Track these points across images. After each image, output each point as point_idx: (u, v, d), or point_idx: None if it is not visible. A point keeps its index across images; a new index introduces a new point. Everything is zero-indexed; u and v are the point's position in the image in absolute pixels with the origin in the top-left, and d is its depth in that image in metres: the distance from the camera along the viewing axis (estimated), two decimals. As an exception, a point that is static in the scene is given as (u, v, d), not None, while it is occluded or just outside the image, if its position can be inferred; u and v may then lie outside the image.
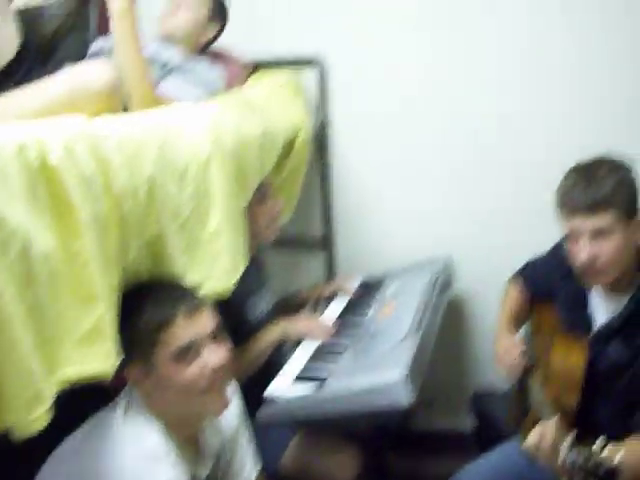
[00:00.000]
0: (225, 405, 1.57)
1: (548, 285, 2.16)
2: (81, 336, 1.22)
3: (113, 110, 1.61)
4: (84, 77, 1.58)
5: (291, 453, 2.13)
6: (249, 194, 2.02)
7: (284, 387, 1.94)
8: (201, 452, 1.63)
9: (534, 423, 1.76)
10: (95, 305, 1.24)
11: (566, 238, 1.91)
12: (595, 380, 1.91)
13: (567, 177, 1.90)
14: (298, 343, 2.24)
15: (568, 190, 1.86)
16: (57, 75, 1.62)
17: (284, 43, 2.84)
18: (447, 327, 2.66)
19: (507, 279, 2.37)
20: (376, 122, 2.84)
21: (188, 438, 1.59)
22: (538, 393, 1.95)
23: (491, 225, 2.79)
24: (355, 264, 2.97)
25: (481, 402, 2.46)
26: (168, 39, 2.28)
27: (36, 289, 1.11)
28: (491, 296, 2.47)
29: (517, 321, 2.26)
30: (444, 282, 2.54)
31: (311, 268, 3.08)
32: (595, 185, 1.80)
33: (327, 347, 2.16)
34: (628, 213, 1.82)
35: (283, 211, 2.44)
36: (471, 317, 2.91)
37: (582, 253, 1.82)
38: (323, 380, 1.91)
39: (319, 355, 2.11)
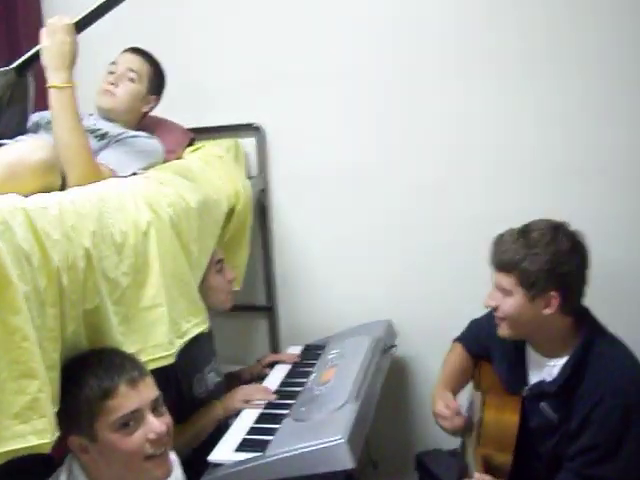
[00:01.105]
0: (168, 471, 1.58)
1: (486, 345, 2.21)
2: (18, 411, 1.22)
3: (51, 185, 1.62)
4: (20, 154, 1.60)
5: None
6: (199, 265, 2.04)
7: (227, 454, 1.94)
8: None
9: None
10: (33, 380, 1.24)
11: None
12: (527, 439, 1.95)
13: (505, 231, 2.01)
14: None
15: (493, 243, 2.00)
16: None
17: (223, 111, 2.89)
18: (391, 388, 2.69)
19: (450, 340, 2.39)
20: (315, 187, 2.87)
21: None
22: (470, 451, 1.96)
23: (432, 286, 2.79)
24: (298, 329, 2.98)
25: (426, 461, 2.45)
26: (106, 113, 2.28)
27: (-27, 365, 1.12)
28: (433, 357, 2.48)
29: (456, 381, 2.26)
30: (385, 345, 2.55)
31: (255, 333, 3.08)
32: (507, 248, 1.93)
33: (268, 413, 2.15)
34: (533, 286, 1.87)
35: (236, 279, 2.47)
36: (414, 378, 2.91)
37: (487, 298, 2.01)
38: (265, 446, 1.91)
39: (261, 421, 2.11)
